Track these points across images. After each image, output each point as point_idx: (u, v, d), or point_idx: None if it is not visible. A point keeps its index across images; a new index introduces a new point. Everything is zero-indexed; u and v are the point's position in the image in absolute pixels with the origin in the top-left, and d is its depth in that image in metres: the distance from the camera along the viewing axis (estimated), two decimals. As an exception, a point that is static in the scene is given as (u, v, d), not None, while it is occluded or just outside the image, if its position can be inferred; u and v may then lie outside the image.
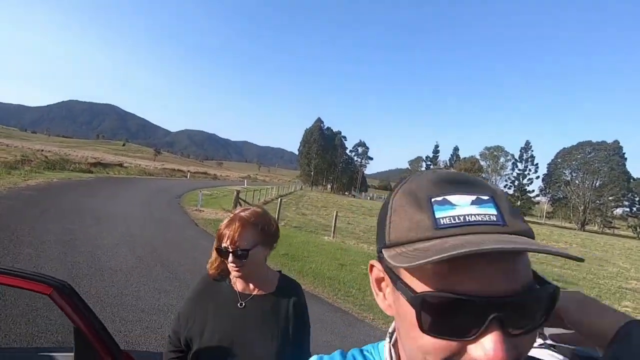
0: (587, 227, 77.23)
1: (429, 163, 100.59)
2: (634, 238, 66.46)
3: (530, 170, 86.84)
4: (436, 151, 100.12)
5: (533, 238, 0.38)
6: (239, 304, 1.27)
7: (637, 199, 79.82)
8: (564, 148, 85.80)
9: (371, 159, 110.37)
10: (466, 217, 0.38)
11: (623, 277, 13.23)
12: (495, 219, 0.38)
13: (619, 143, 78.50)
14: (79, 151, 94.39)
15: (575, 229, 69.02)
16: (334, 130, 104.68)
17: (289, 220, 15.46)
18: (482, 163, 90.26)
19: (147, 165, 64.40)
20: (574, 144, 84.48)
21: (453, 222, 0.37)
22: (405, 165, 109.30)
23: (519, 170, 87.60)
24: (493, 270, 0.35)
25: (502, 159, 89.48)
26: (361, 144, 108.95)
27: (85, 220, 9.06)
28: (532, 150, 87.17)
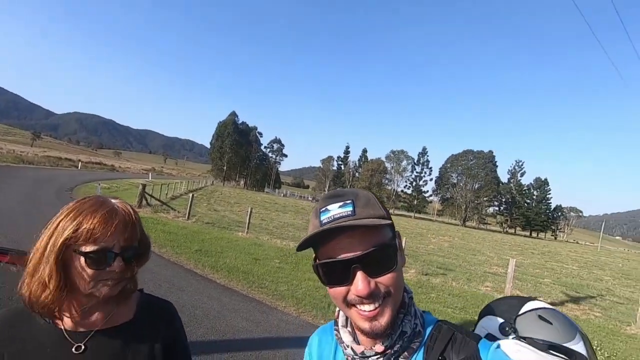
0: (467, 223, 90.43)
1: (340, 163, 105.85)
2: (501, 232, 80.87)
3: (425, 173, 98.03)
4: (347, 152, 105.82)
5: (376, 217, 0.65)
6: (74, 349, 0.83)
7: (503, 199, 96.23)
8: (453, 154, 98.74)
9: (286, 156, 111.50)
10: (333, 215, 0.65)
11: (489, 263, 16.14)
12: (349, 213, 0.65)
13: (492, 152, 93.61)
14: None
15: (458, 225, 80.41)
16: (249, 125, 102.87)
17: (201, 216, 15.04)
18: (387, 165, 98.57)
19: (23, 151, 54.73)
20: (461, 151, 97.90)
21: (327, 220, 0.65)
22: (318, 164, 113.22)
23: (417, 172, 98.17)
24: (349, 241, 0.64)
25: (404, 162, 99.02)
26: (276, 140, 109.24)
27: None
28: (428, 155, 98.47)
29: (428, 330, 0.71)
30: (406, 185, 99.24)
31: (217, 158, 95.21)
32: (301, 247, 0.67)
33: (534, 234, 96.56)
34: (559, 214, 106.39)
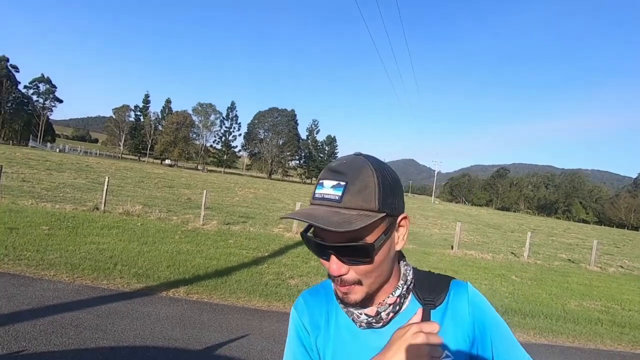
0: (273, 176, 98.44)
1: (139, 113, 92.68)
2: (300, 183, 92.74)
3: (235, 128, 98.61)
4: (147, 101, 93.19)
5: (363, 210, 0.61)
6: None
7: (303, 154, 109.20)
8: (260, 111, 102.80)
9: (60, 101, 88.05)
10: (323, 194, 0.63)
11: (285, 209, 18.42)
12: (335, 198, 0.62)
13: (294, 111, 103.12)
14: None
15: (265, 178, 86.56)
16: (-6, 54, 74.47)
17: None
18: (195, 118, 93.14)
19: None
20: (267, 108, 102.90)
21: (318, 196, 0.64)
22: (110, 113, 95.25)
23: (226, 127, 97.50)
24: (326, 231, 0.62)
25: (212, 116, 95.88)
26: (44, 79, 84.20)
27: None
28: (237, 111, 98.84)
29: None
30: (215, 140, 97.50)
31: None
32: (286, 217, 0.64)
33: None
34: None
